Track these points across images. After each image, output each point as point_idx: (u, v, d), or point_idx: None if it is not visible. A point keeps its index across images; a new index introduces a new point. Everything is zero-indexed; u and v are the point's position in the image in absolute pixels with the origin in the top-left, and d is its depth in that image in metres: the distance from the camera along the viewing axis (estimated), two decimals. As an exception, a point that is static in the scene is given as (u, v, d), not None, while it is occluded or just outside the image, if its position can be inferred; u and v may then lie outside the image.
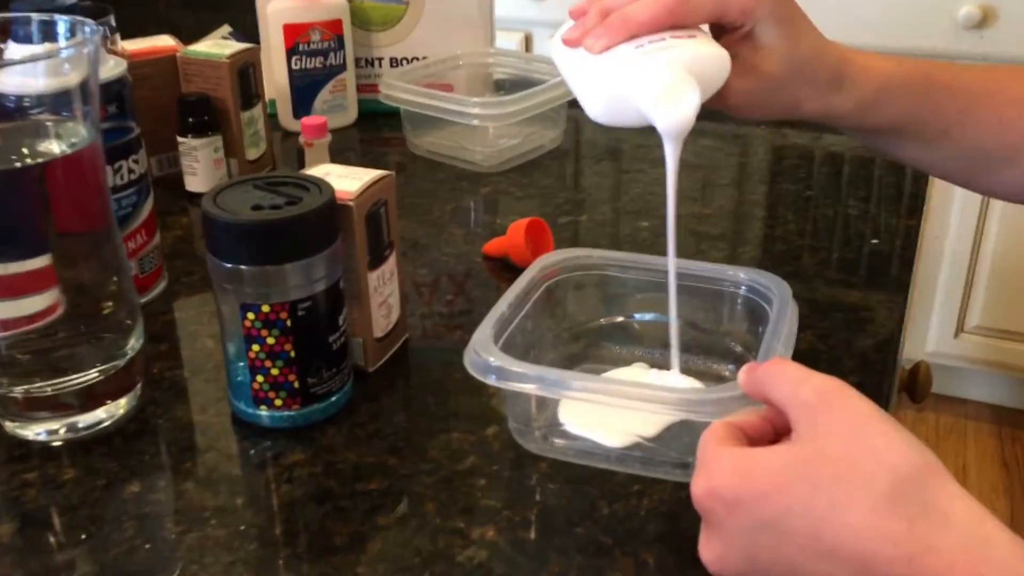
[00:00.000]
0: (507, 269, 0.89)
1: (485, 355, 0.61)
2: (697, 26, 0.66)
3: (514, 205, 1.03)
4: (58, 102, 0.63)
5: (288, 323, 0.64)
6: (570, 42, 0.65)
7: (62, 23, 0.65)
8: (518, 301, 0.68)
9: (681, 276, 0.72)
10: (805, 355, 0.76)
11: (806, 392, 0.50)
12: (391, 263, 0.74)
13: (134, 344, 0.70)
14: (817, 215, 1.00)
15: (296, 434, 0.68)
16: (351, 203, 0.68)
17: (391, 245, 0.74)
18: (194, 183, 1.03)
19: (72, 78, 0.63)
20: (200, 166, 1.02)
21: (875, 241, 0.94)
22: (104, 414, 0.68)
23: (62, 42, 0.64)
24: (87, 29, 0.63)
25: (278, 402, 0.67)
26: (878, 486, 0.46)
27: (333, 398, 0.68)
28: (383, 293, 0.73)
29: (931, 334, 2.20)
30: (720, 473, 0.50)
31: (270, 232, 0.62)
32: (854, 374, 0.73)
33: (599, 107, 0.64)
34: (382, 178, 0.72)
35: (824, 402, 0.49)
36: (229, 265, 0.63)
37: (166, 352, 0.78)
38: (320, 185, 0.66)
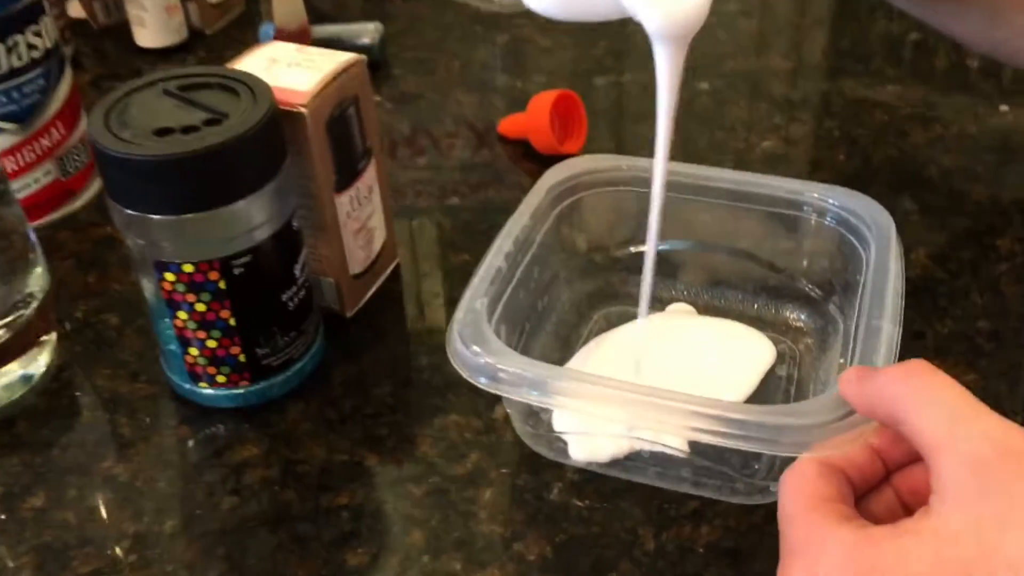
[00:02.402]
0: (528, 157, 0.70)
1: (475, 346, 0.43)
2: None
3: (540, 60, 0.82)
4: None
5: (221, 285, 0.47)
6: None
7: None
8: (519, 245, 0.50)
9: (744, 196, 0.53)
10: (916, 283, 0.57)
11: (976, 442, 0.32)
12: (369, 176, 0.56)
13: (37, 287, 0.54)
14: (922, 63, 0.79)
15: (250, 415, 0.52)
16: (303, 109, 0.49)
17: (368, 153, 0.55)
18: (145, 36, 0.83)
19: None
20: (149, 16, 0.82)
21: (1004, 108, 0.73)
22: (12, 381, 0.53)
23: None
24: None
25: (221, 378, 0.51)
26: None
27: (295, 367, 0.52)
28: (360, 218, 0.56)
29: None
30: (828, 567, 0.34)
31: (181, 171, 0.44)
32: (984, 317, 0.55)
33: None
34: (350, 66, 0.52)
35: (1003, 465, 0.32)
36: (132, 212, 0.46)
37: (95, 286, 0.61)
38: (254, 88, 0.47)
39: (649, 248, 0.46)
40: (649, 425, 0.44)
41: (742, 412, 0.40)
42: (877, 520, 0.38)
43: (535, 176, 0.67)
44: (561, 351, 0.54)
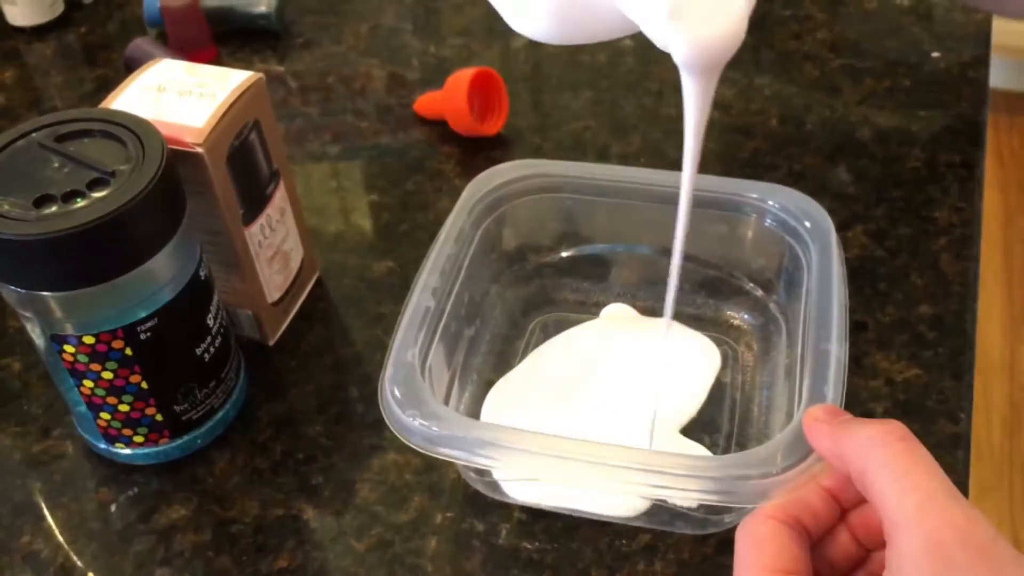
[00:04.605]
0: (447, 139, 0.66)
1: (410, 408, 0.41)
2: None
3: (454, 20, 0.77)
4: None
5: (128, 352, 0.44)
6: None
7: None
8: (446, 276, 0.47)
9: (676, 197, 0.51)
10: (855, 264, 0.56)
11: (941, 531, 0.31)
12: (279, 198, 0.52)
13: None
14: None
15: (174, 470, 0.49)
16: (199, 149, 0.45)
17: (276, 175, 0.51)
18: (18, 15, 0.76)
19: None
20: (20, -9, 0.75)
21: (936, 55, 0.71)
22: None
23: None
24: None
25: (138, 439, 0.48)
26: None
27: (218, 415, 0.49)
28: (273, 244, 0.52)
29: None
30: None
31: (69, 247, 0.40)
32: (926, 301, 0.54)
33: (544, 10, 0.37)
34: (247, 88, 0.48)
35: (963, 556, 0.31)
36: (19, 290, 0.41)
37: (-9, 324, 0.57)
38: (142, 136, 0.43)
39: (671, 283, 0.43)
40: (599, 490, 0.42)
41: (698, 469, 0.39)
42: (834, 566, 0.37)
43: (455, 161, 0.63)
44: (499, 369, 0.52)
